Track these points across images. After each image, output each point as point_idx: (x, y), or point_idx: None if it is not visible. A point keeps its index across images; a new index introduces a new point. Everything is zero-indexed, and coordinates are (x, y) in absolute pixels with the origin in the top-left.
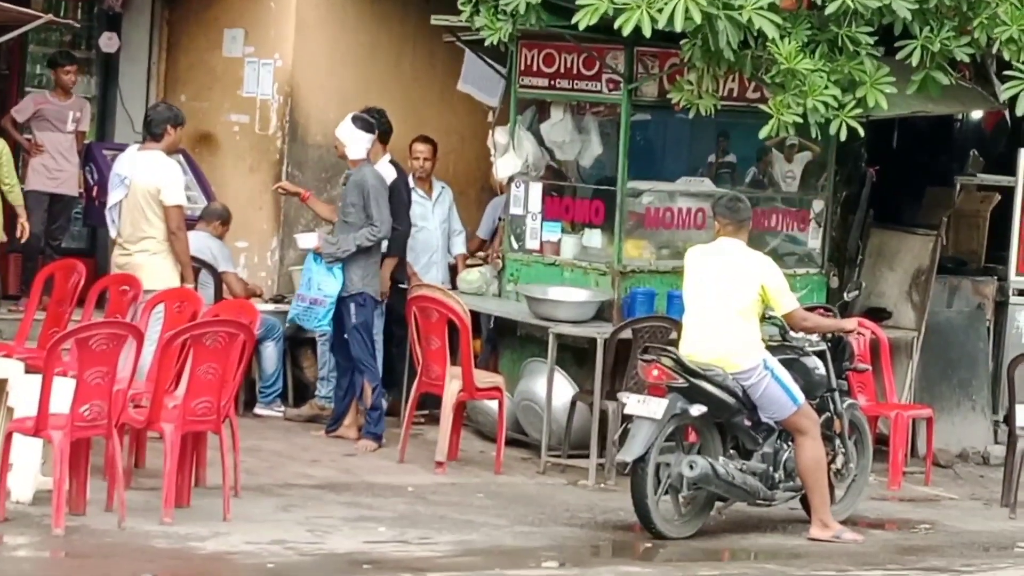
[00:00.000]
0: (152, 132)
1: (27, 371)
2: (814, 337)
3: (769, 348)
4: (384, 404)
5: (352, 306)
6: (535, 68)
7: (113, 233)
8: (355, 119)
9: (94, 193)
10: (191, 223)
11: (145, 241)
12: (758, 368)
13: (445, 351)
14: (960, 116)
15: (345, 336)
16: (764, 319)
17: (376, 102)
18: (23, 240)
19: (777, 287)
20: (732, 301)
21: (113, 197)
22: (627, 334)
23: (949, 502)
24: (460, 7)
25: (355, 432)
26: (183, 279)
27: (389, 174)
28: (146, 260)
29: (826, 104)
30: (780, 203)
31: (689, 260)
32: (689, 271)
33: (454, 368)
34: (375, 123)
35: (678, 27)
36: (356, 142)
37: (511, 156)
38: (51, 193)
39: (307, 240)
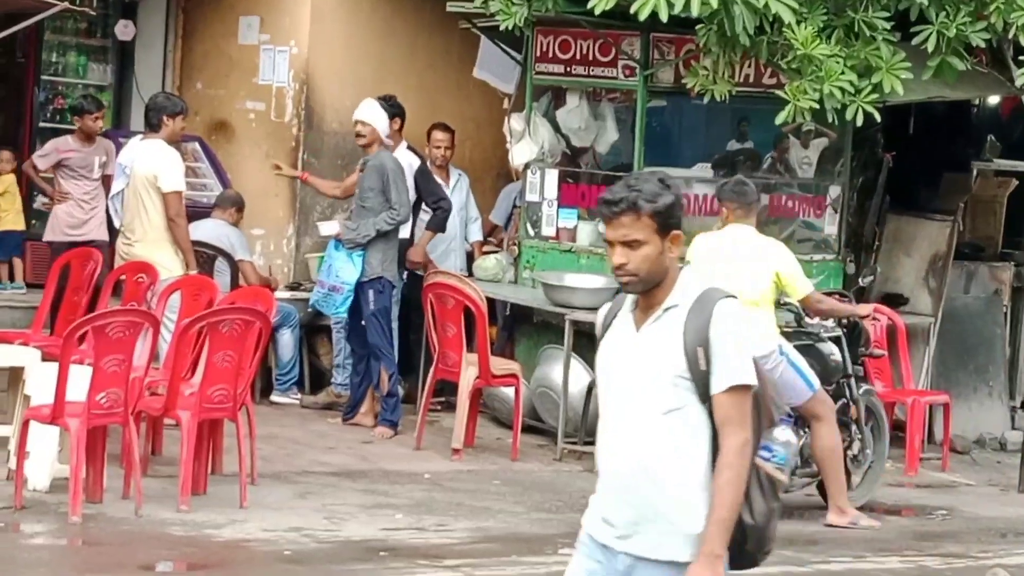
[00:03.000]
0: (149, 123)
1: (44, 359)
2: (829, 323)
3: (784, 334)
4: (400, 391)
5: (371, 292)
6: (551, 54)
7: (117, 223)
8: (376, 100)
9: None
10: (206, 210)
11: (145, 231)
12: (773, 354)
13: (461, 338)
14: (977, 101)
15: (362, 323)
16: (779, 305)
17: (392, 89)
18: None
19: (791, 273)
20: (746, 289)
21: (115, 186)
22: None
23: (966, 488)
24: None
25: (371, 419)
26: (186, 266)
27: (411, 160)
28: (145, 251)
29: (842, 90)
30: (796, 189)
31: (697, 248)
32: (698, 259)
33: (470, 355)
34: (389, 108)
35: (694, 12)
36: (382, 122)
37: (527, 143)
38: (77, 242)
39: (328, 227)
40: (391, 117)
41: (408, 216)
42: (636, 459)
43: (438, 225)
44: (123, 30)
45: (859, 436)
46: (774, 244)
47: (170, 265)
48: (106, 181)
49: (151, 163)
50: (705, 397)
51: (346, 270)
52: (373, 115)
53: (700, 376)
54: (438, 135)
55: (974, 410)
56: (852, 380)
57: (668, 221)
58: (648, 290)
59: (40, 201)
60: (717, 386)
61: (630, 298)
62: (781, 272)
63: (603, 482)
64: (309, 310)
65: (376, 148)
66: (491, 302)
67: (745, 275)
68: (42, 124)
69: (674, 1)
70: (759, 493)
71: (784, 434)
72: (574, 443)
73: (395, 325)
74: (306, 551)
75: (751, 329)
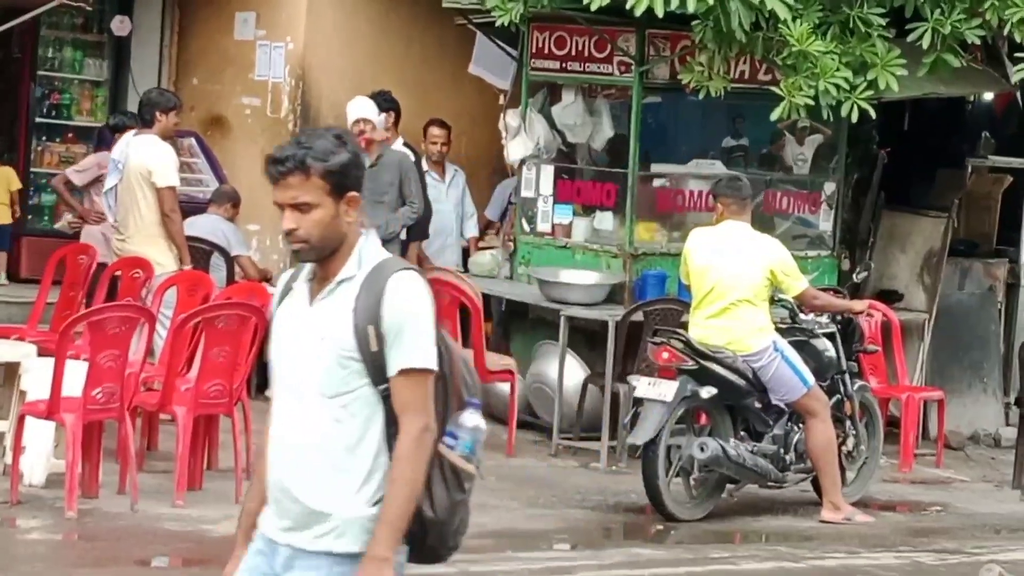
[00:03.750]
0: (142, 118)
1: (40, 354)
2: (824, 319)
3: (779, 330)
4: None
5: None
6: (546, 51)
7: (111, 218)
8: (372, 98)
9: None
10: (202, 206)
11: (139, 226)
12: (768, 350)
13: (457, 334)
14: (971, 98)
15: None
16: (773, 302)
17: (387, 84)
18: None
19: (785, 270)
20: (740, 285)
21: (109, 181)
22: (638, 316)
23: (960, 484)
24: None
25: None
26: (181, 261)
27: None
28: (138, 247)
29: (837, 86)
30: (792, 185)
31: (693, 243)
32: (695, 254)
33: (466, 351)
34: (384, 103)
35: (690, 8)
36: (378, 119)
37: (522, 139)
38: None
39: None
40: (386, 112)
41: (423, 209)
42: (300, 445)
43: (421, 234)
44: (119, 26)
45: (853, 432)
46: (769, 240)
47: (164, 261)
48: None
49: (145, 158)
50: (378, 379)
51: None
52: (372, 112)
53: (371, 357)
54: (434, 131)
55: (968, 406)
56: (846, 376)
57: (343, 181)
58: (323, 259)
59: (67, 220)
60: (391, 369)
61: (308, 266)
62: (775, 268)
63: (269, 470)
64: None
65: (376, 146)
66: (486, 298)
67: (739, 271)
68: (38, 119)
69: None
70: (441, 484)
71: (472, 419)
72: (569, 439)
73: None
74: None
75: (430, 305)
